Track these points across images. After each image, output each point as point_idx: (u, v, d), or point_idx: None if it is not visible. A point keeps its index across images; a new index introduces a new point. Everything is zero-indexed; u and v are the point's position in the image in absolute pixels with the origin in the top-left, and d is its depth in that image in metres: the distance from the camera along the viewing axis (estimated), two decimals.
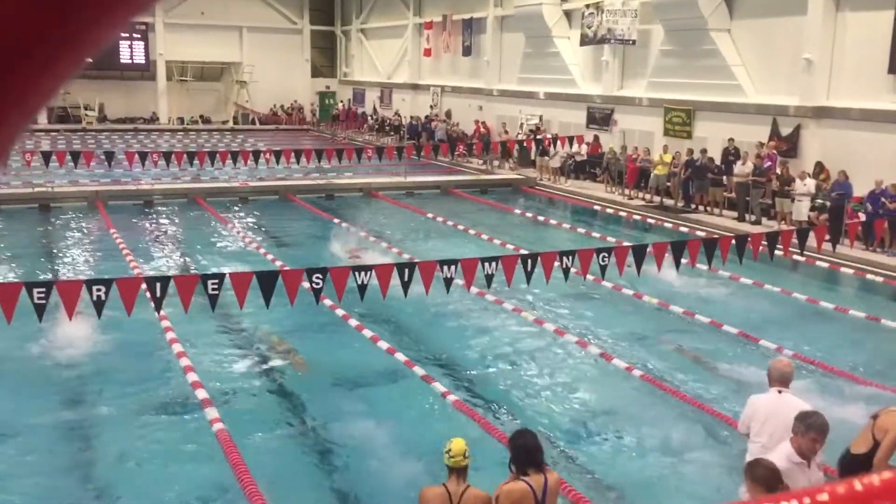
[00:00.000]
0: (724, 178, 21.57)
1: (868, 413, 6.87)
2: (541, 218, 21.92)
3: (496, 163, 29.97)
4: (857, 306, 13.88)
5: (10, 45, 0.45)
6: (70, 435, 8.81)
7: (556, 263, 10.60)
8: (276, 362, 10.99)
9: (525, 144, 28.45)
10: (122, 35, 38.68)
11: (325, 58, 50.58)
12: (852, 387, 10.07)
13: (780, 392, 6.44)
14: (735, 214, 20.96)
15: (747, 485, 5.53)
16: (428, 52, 39.69)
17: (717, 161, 21.95)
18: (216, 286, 9.11)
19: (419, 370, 10.36)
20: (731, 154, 21.70)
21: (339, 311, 12.24)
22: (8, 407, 9.31)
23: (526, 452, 5.53)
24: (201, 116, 45.88)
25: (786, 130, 21.40)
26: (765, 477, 5.38)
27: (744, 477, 5.56)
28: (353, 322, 12.08)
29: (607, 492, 7.83)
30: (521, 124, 31.43)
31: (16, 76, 0.46)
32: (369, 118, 43.17)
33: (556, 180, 26.97)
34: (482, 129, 33.07)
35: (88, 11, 0.46)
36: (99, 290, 8.74)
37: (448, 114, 37.03)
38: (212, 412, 8.86)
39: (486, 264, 10.32)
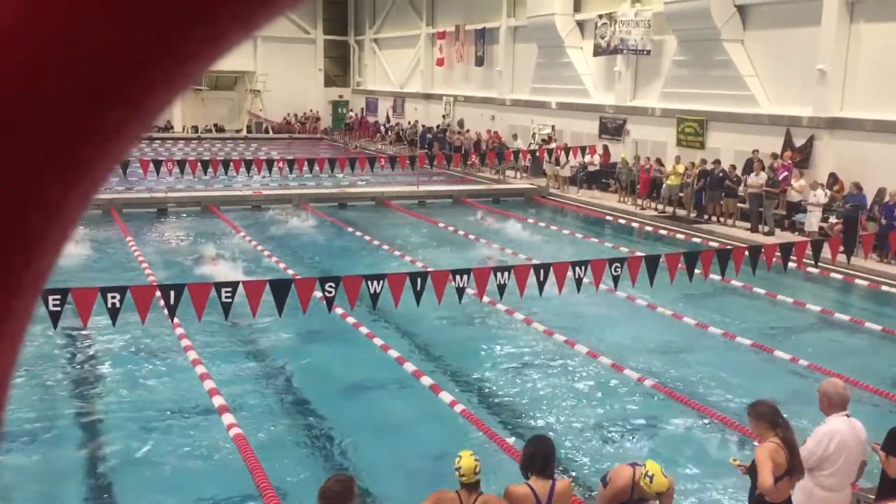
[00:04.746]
0: (740, 188, 21.42)
1: (883, 426, 6.80)
2: (553, 227, 21.91)
3: (508, 172, 30.03)
4: (871, 318, 13.79)
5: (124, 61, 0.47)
6: (85, 440, 8.85)
7: (569, 273, 10.60)
8: (288, 372, 11.02)
9: (538, 154, 28.48)
10: None
11: (339, 67, 50.81)
12: (868, 399, 10.00)
13: (848, 416, 6.05)
14: (748, 225, 20.88)
15: (752, 424, 6.00)
16: (440, 62, 39.81)
17: (738, 171, 21.80)
18: (230, 294, 9.16)
19: (427, 379, 10.36)
20: (757, 163, 21.29)
21: (351, 320, 12.26)
22: (23, 411, 9.35)
23: (532, 458, 5.64)
24: (215, 125, 46.14)
25: (799, 141, 21.32)
26: (768, 413, 5.85)
27: (749, 417, 6.02)
28: (364, 330, 12.10)
29: None
30: (534, 134, 31.45)
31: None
32: (383, 127, 43.32)
33: (565, 189, 26.99)
34: (493, 138, 33.04)
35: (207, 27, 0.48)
36: (114, 297, 8.80)
37: (461, 123, 37.11)
38: (228, 418, 8.89)
39: (499, 274, 10.33)
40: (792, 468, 5.75)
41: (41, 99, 0.47)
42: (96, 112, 0.47)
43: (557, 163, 27.33)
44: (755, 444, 6.23)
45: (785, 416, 6.09)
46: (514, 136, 31.92)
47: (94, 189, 0.51)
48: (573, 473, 8.18)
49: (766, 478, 5.59)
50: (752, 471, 5.89)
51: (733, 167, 21.86)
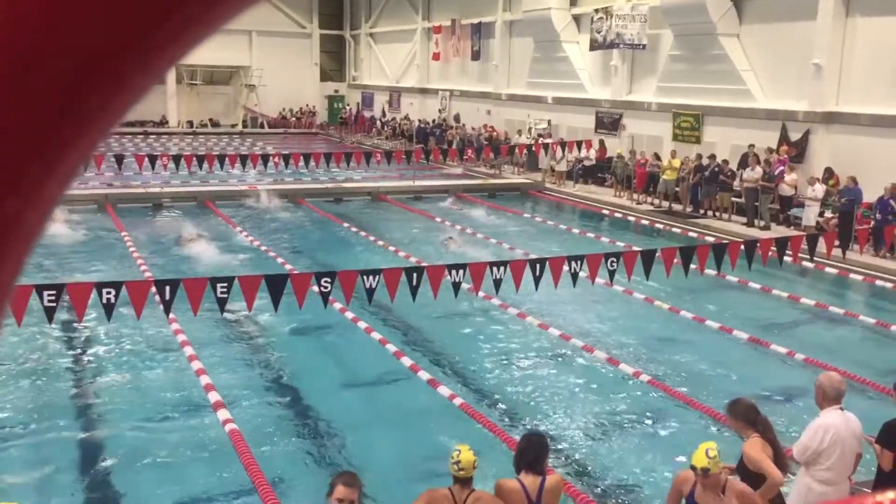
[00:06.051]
0: (735, 182, 21.45)
1: (877, 419, 6.80)
2: (550, 222, 21.91)
3: (505, 167, 30.01)
4: (866, 312, 13.83)
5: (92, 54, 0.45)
6: (80, 434, 8.84)
7: (565, 268, 10.59)
8: (284, 367, 11.02)
9: (534, 149, 28.46)
10: None
11: (334, 62, 50.73)
12: (862, 392, 10.02)
13: (842, 410, 6.05)
14: (744, 219, 20.90)
15: (731, 422, 6.07)
16: (437, 57, 39.76)
17: (731, 166, 21.82)
18: (225, 289, 9.14)
19: (425, 374, 10.36)
20: (753, 157, 21.33)
21: (348, 314, 12.25)
22: (18, 406, 9.34)
23: (523, 453, 5.69)
24: (210, 120, 46.02)
25: (795, 136, 21.33)
26: (744, 411, 5.90)
27: (727, 416, 6.11)
28: (363, 325, 12.10)
29: (613, 495, 7.81)
30: (530, 128, 31.43)
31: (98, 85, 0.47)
32: (379, 122, 43.27)
33: (562, 184, 26.99)
34: (492, 132, 33.01)
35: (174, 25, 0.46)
36: (109, 292, 8.77)
37: (457, 118, 37.07)
38: (223, 413, 8.88)
39: (495, 269, 10.32)
40: (777, 462, 5.77)
41: (23, 78, 0.45)
42: (80, 91, 0.46)
43: (553, 157, 27.32)
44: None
45: (764, 413, 6.13)
46: (519, 132, 31.77)
47: (73, 173, 0.50)
48: (565, 467, 8.19)
49: (775, 471, 5.60)
50: (740, 469, 5.88)
51: (726, 162, 21.87)
